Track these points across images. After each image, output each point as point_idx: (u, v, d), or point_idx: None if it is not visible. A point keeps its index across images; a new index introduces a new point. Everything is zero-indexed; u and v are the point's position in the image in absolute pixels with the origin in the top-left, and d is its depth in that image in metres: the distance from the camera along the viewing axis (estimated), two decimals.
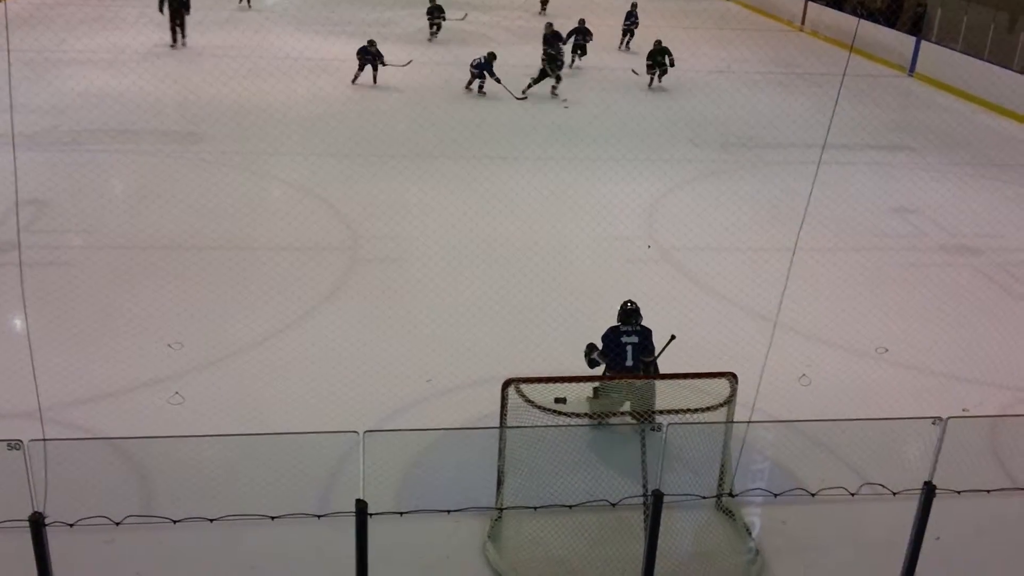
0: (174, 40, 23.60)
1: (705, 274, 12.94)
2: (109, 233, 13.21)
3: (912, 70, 26.57)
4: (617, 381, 8.41)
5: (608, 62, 24.52)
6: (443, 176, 16.03)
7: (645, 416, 7.92)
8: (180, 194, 14.56)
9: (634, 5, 27.07)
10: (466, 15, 27.75)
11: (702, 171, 17.26)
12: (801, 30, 32.69)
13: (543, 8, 31.50)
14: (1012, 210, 15.94)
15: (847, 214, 14.76)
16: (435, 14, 26.54)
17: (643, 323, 9.28)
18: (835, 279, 12.82)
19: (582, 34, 23.95)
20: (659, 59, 22.03)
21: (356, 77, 21.42)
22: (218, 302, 11.43)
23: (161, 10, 23.52)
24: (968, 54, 24.54)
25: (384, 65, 21.36)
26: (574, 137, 18.47)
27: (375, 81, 21.37)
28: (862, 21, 27.16)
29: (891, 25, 27.32)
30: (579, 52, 23.98)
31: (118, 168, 16.04)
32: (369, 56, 21.33)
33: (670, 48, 22.25)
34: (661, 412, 7.83)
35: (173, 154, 16.53)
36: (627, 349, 8.87)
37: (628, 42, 26.85)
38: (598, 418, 8.58)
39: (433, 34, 26.57)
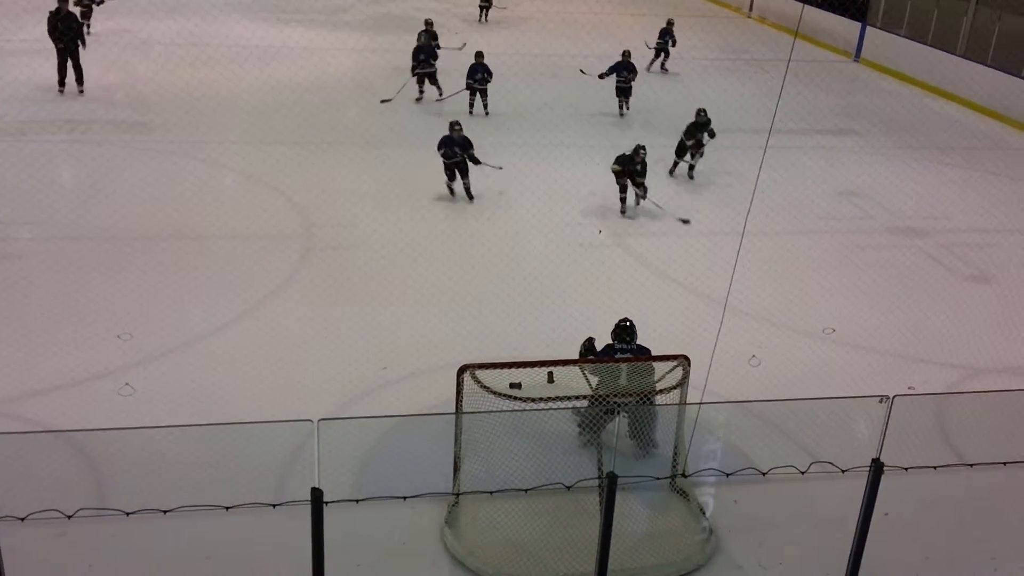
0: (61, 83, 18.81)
1: (657, 258, 13.06)
2: (59, 224, 13.01)
3: (857, 55, 26.92)
4: (593, 366, 8.42)
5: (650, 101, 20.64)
6: (396, 164, 15.99)
7: (602, 400, 7.98)
8: (131, 184, 14.38)
9: (670, 22, 23.75)
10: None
11: (654, 156, 17.35)
12: (749, 16, 32.97)
13: (484, 16, 28.63)
14: (956, 192, 16.24)
15: (795, 198, 14.96)
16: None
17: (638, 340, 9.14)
18: (784, 262, 13.00)
19: (626, 70, 19.70)
20: (699, 136, 16.28)
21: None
22: (169, 292, 11.32)
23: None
24: (912, 39, 24.92)
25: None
26: (526, 124, 18.50)
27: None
28: (808, 7, 27.43)
29: (836, 11, 27.65)
30: (623, 98, 19.86)
31: (67, 159, 15.79)
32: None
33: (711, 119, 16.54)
34: (616, 396, 7.90)
35: (123, 144, 16.30)
36: (622, 369, 8.81)
37: (663, 63, 23.83)
38: (553, 403, 8.63)
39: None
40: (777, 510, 8.24)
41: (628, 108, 19.74)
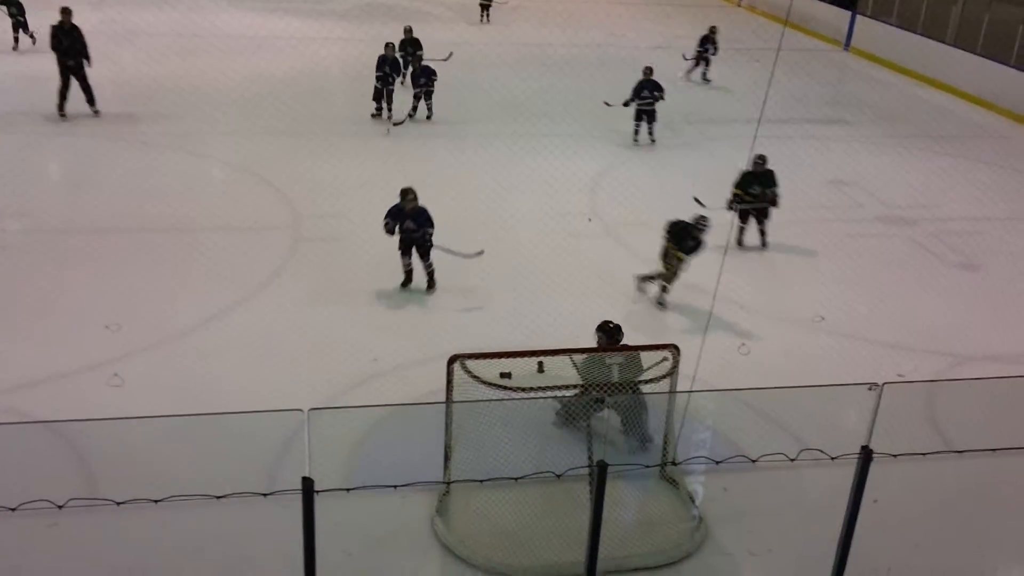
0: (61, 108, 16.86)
1: (647, 248, 13.05)
2: (46, 216, 12.96)
3: (848, 44, 26.95)
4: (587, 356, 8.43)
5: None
6: (385, 154, 15.96)
7: (590, 390, 7.99)
8: (118, 176, 14.33)
9: (713, 30, 22.09)
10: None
11: (645, 147, 17.39)
12: (739, 5, 32.96)
13: (485, 16, 27.46)
14: (946, 180, 16.28)
15: (785, 187, 14.94)
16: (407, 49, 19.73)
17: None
18: (773, 251, 13.03)
19: (649, 89, 17.36)
20: (755, 191, 13.05)
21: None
22: (158, 284, 11.29)
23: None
24: (902, 28, 24.95)
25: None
26: (516, 113, 18.47)
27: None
28: None
29: (826, 0, 27.66)
30: (646, 119, 17.42)
31: (54, 150, 15.72)
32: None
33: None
34: (607, 385, 7.91)
35: (110, 135, 16.23)
36: (612, 369, 8.81)
37: (705, 72, 22.19)
38: (543, 392, 8.64)
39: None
40: (766, 498, 8.27)
41: (654, 135, 17.38)
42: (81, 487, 7.67)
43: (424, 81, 17.81)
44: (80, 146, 15.72)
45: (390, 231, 11.34)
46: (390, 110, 17.69)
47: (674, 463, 8.29)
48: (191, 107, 17.59)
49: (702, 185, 14.37)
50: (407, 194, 11.33)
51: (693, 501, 8.18)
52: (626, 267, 12.26)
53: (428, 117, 18.03)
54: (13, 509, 6.81)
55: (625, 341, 8.76)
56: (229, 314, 10.83)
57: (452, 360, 7.71)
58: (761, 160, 13.05)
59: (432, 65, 18.05)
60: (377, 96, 17.78)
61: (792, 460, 8.10)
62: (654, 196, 14.57)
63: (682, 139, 17.89)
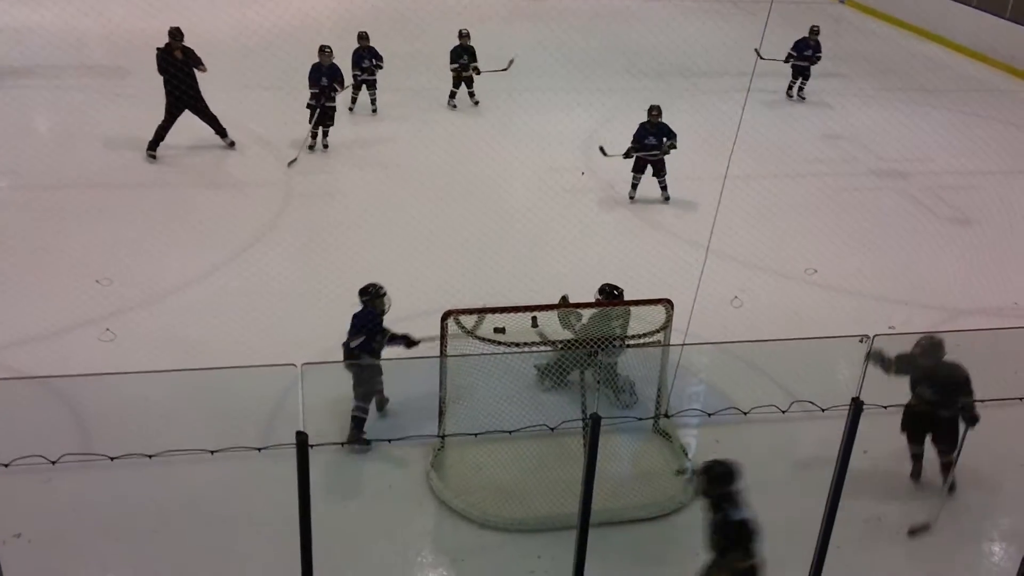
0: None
1: (640, 202, 13.04)
2: (34, 172, 12.86)
3: None
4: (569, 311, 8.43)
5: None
6: (378, 109, 15.83)
7: (586, 344, 8.01)
8: (107, 130, 14.20)
9: (814, 31, 17.72)
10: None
11: (639, 100, 17.24)
12: None
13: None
14: (940, 134, 16.20)
15: (779, 141, 14.90)
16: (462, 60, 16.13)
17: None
18: (767, 205, 12.98)
19: (656, 135, 13.08)
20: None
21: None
22: (149, 239, 11.25)
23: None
24: None
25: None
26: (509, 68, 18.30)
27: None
28: None
29: None
30: (652, 172, 13.25)
31: (42, 105, 15.56)
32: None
33: None
34: (601, 340, 7.93)
35: (99, 90, 16.07)
36: (615, 327, 8.76)
37: (802, 86, 17.90)
38: (537, 346, 8.66)
39: (467, 96, 16.59)
40: (758, 449, 8.31)
41: (667, 191, 13.22)
42: (74, 443, 7.69)
43: (368, 64, 15.43)
44: (68, 100, 15.56)
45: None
46: (326, 134, 14.22)
47: (667, 416, 8.34)
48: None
49: (695, 140, 14.32)
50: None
51: (686, 453, 8.24)
52: (621, 222, 12.25)
53: (373, 111, 15.80)
54: (7, 465, 6.85)
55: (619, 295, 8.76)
56: (221, 268, 10.80)
57: (446, 315, 7.71)
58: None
59: (488, 73, 15.89)
60: (315, 117, 13.99)
61: (783, 412, 8.17)
62: None
63: (676, 92, 17.75)
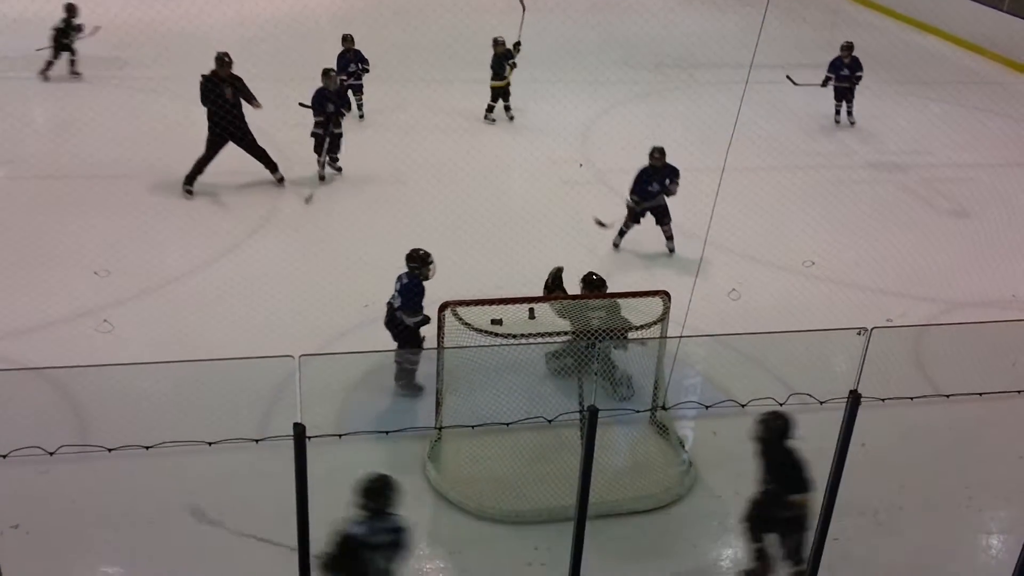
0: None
1: None
2: (32, 162, 12.84)
3: None
4: (565, 302, 8.43)
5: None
6: (376, 100, 15.78)
7: (583, 336, 8.00)
8: (104, 121, 14.15)
9: (845, 47, 15.96)
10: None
11: (636, 92, 17.25)
12: None
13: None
14: (937, 127, 16.19)
15: (777, 133, 14.89)
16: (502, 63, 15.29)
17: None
18: (764, 197, 12.98)
19: (659, 179, 11.37)
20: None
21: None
22: (147, 230, 11.22)
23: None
24: None
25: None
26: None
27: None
28: None
29: None
30: (656, 221, 11.54)
31: (39, 95, 15.52)
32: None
33: None
34: (598, 332, 7.92)
35: (96, 80, 16.02)
36: (593, 319, 8.76)
37: (849, 110, 16.22)
38: (534, 338, 8.66)
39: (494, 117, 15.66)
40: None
41: (673, 241, 11.53)
42: (72, 434, 7.68)
43: (354, 69, 14.78)
44: (65, 91, 15.52)
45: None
46: (336, 159, 13.28)
47: (664, 408, 8.34)
48: (177, 51, 17.35)
49: (692, 132, 14.29)
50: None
51: (683, 445, 8.24)
52: (618, 213, 12.23)
53: (360, 117, 15.12)
54: (4, 456, 6.83)
55: (616, 287, 8.75)
56: (219, 260, 10.79)
57: (443, 307, 7.71)
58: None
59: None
60: (321, 145, 12.92)
61: (781, 404, 8.16)
62: (645, 142, 14.47)
63: (673, 84, 17.74)
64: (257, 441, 7.24)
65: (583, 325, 7.97)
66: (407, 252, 8.64)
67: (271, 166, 12.59)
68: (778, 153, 14.54)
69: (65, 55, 16.23)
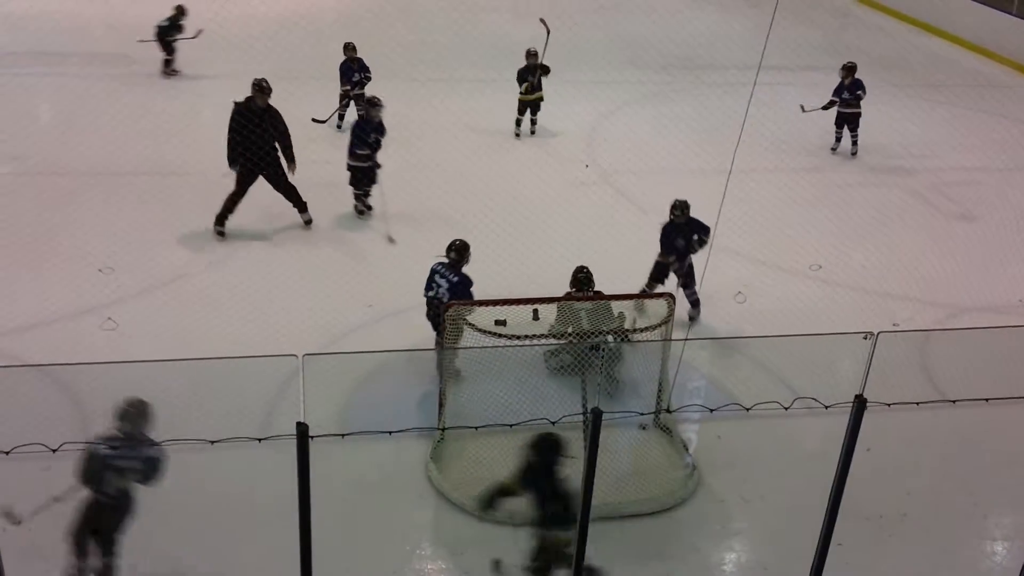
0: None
1: (644, 196, 12.98)
2: (38, 158, 12.85)
3: None
4: (566, 303, 8.42)
5: None
6: (380, 98, 15.76)
7: (586, 337, 7.98)
8: (111, 117, 14.15)
9: (845, 67, 15.03)
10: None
11: (643, 93, 17.21)
12: None
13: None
14: (945, 131, 16.16)
15: (784, 136, 14.83)
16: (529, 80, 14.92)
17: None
18: (771, 200, 12.94)
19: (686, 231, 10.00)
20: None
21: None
22: (152, 228, 11.23)
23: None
24: None
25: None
26: (512, 59, 18.23)
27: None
28: None
29: None
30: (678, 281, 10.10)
31: (46, 92, 15.53)
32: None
33: None
34: (601, 333, 7.90)
35: (103, 77, 16.03)
36: (580, 314, 8.75)
37: (854, 140, 15.00)
38: (537, 339, 8.64)
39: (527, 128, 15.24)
40: (760, 446, 8.31)
41: (699, 307, 10.13)
42: (75, 431, 7.66)
43: (358, 78, 14.51)
44: (72, 86, 15.53)
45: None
46: (368, 194, 12.26)
47: (668, 411, 8.31)
48: (183, 47, 17.34)
49: (699, 134, 14.24)
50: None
51: (687, 449, 8.21)
52: (623, 215, 12.22)
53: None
54: (7, 453, 6.81)
55: (620, 290, 8.73)
56: (223, 258, 10.79)
57: (447, 308, 7.69)
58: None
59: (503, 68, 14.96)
60: (361, 179, 12.09)
61: (786, 409, 8.11)
62: (651, 143, 14.46)
63: (680, 85, 17.71)
64: (260, 440, 7.21)
65: (576, 324, 7.96)
66: (448, 243, 8.90)
67: (300, 206, 11.71)
68: (785, 155, 14.49)
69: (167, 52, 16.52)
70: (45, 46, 16.89)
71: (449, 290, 8.65)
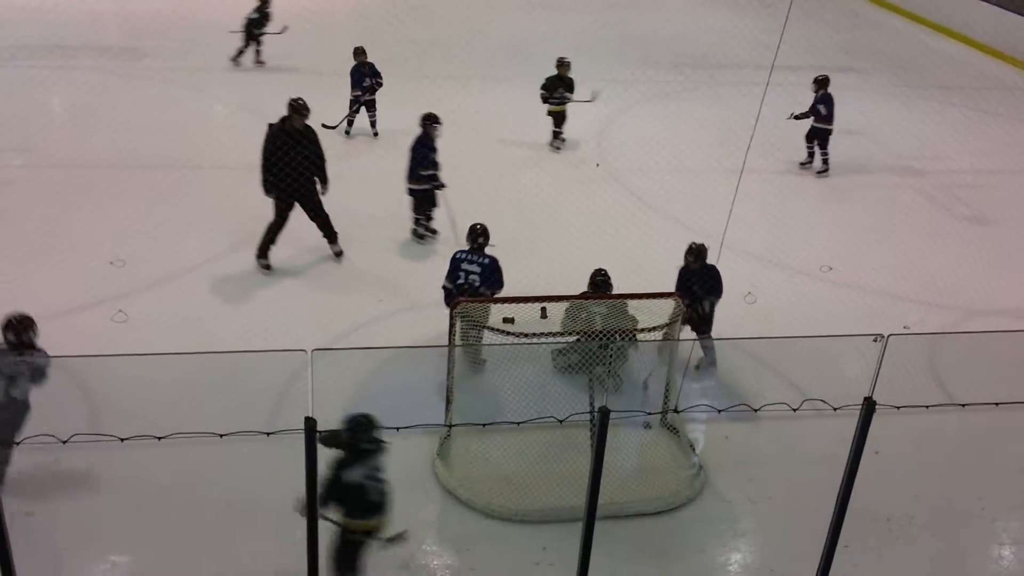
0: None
1: (654, 195, 12.96)
2: (50, 151, 12.88)
3: None
4: (577, 302, 8.40)
5: None
6: (391, 95, 15.76)
7: (594, 336, 7.97)
8: (122, 111, 14.21)
9: (820, 83, 14.28)
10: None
11: (655, 91, 17.19)
12: None
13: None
14: (957, 132, 16.08)
15: (795, 136, 14.80)
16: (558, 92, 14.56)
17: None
18: (782, 200, 12.93)
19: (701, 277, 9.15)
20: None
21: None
22: (162, 221, 11.25)
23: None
24: None
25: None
26: (523, 57, 18.23)
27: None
28: None
29: None
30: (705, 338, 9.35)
31: (58, 85, 15.57)
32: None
33: None
34: (609, 332, 7.89)
35: (114, 70, 16.08)
36: (596, 317, 8.67)
37: (824, 158, 14.24)
38: (545, 338, 8.64)
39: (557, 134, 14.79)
40: (768, 447, 8.30)
41: (712, 358, 9.33)
42: (85, 423, 7.71)
43: (368, 83, 14.27)
44: (83, 81, 15.56)
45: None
46: (428, 221, 11.74)
47: (675, 411, 8.30)
48: (194, 43, 17.41)
49: (710, 133, 14.20)
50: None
51: (693, 449, 8.20)
52: (633, 213, 12.20)
53: (374, 135, 14.63)
54: (18, 443, 6.86)
55: (629, 289, 8.71)
56: (233, 252, 10.79)
57: (455, 304, 7.69)
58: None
59: (574, 104, 14.37)
60: (424, 202, 11.58)
61: (794, 410, 8.10)
62: (662, 143, 14.43)
63: (692, 84, 17.68)
64: (268, 434, 7.23)
65: (588, 325, 7.95)
66: (469, 227, 9.14)
67: (331, 236, 11.02)
68: (797, 156, 14.45)
69: (253, 45, 17.01)
70: (57, 40, 16.92)
71: (481, 274, 8.86)
